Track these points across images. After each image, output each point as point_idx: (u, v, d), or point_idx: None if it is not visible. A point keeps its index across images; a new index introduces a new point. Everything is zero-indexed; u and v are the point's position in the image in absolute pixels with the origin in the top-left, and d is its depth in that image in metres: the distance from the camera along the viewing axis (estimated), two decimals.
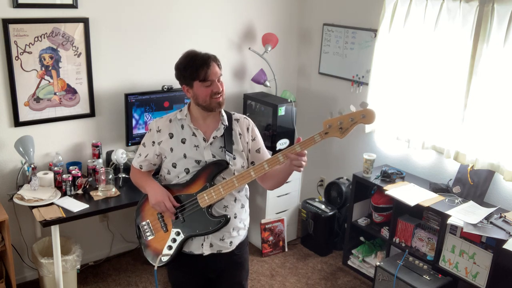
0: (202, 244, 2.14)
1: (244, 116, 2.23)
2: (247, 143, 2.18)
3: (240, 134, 2.16)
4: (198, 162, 2.10)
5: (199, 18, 3.73)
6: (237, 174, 2.06)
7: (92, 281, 3.51)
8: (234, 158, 2.11)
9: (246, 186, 2.24)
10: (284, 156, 1.97)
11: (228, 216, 2.09)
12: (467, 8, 3.06)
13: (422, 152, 3.55)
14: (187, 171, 2.11)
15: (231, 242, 2.19)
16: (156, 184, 2.17)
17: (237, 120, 2.19)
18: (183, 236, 2.12)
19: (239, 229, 2.21)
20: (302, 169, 1.99)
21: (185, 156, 2.10)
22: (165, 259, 2.14)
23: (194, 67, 2.01)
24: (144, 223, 2.23)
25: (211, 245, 2.15)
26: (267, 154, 2.22)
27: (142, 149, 2.22)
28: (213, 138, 2.11)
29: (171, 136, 2.13)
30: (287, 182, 2.26)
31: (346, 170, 4.08)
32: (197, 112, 2.12)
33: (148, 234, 2.21)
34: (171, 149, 2.12)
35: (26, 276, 3.45)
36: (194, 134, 2.11)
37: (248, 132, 2.19)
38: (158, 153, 2.16)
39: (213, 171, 2.07)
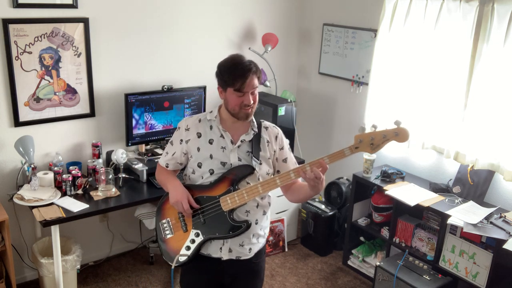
0: (221, 248, 2.12)
1: (274, 125, 2.22)
2: (274, 151, 2.16)
3: (268, 141, 2.15)
4: (223, 164, 2.08)
5: (199, 18, 3.73)
6: (262, 180, 2.04)
7: (92, 281, 3.51)
8: (260, 164, 2.10)
9: (270, 193, 2.21)
10: (310, 168, 1.96)
11: (250, 222, 2.06)
12: (467, 8, 3.06)
13: (422, 152, 3.55)
14: (211, 171, 2.09)
15: (250, 249, 2.16)
16: (178, 183, 2.15)
17: (266, 128, 2.18)
18: (202, 238, 2.09)
19: (259, 236, 2.18)
20: (318, 190, 1.99)
21: (211, 156, 2.09)
22: (182, 259, 2.11)
23: (233, 75, 1.99)
24: (164, 221, 2.20)
25: (230, 250, 2.12)
26: (294, 164, 2.20)
27: (170, 147, 2.21)
28: (241, 141, 2.10)
29: (199, 135, 2.12)
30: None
31: (346, 170, 4.07)
32: (227, 115, 2.10)
33: (167, 232, 2.18)
34: (198, 149, 2.11)
35: (26, 276, 3.45)
36: (222, 136, 2.10)
37: (277, 140, 2.18)
38: (185, 151, 2.15)
39: (238, 175, 2.05)
